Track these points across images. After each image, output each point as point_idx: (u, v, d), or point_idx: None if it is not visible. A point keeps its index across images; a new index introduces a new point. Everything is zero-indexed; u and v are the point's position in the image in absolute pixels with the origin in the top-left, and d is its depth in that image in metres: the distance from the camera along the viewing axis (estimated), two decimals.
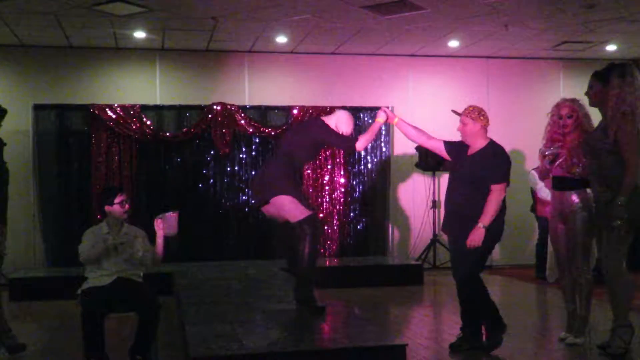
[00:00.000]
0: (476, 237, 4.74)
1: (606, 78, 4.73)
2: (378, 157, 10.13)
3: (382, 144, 10.14)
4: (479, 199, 4.78)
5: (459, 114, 5.03)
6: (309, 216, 5.09)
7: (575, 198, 5.10)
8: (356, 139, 5.30)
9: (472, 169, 4.85)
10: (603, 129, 4.68)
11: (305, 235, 5.06)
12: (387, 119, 5.29)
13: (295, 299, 5.25)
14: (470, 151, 4.96)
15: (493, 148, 4.93)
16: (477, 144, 4.94)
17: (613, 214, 4.58)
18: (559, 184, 5.22)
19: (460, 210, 4.88)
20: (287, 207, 5.10)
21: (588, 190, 5.04)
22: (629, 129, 4.55)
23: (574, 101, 5.18)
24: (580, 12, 7.89)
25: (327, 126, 5.29)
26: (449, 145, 5.13)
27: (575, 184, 5.10)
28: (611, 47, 9.82)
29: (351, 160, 10.05)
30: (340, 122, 5.37)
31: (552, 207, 5.36)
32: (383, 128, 10.13)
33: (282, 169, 5.19)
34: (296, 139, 5.35)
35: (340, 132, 5.33)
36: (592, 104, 4.96)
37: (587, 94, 4.95)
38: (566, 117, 5.13)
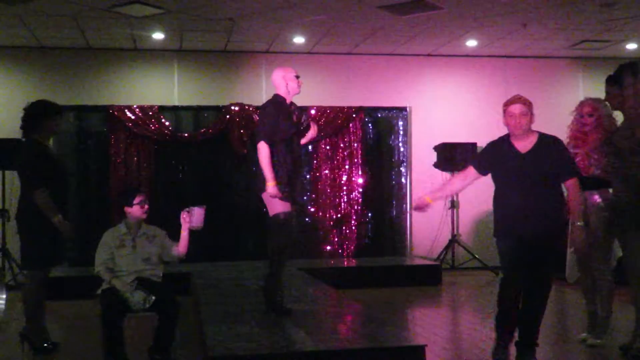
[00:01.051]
0: (577, 236, 4.56)
1: (620, 80, 4.69)
2: (396, 157, 10.11)
3: (400, 144, 10.12)
4: (552, 194, 4.49)
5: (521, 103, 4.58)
6: (285, 212, 5.08)
7: (597, 198, 5.06)
8: (265, 140, 5.03)
9: (537, 164, 4.48)
10: (628, 129, 4.63)
11: (276, 228, 5.07)
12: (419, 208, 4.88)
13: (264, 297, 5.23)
14: (523, 147, 4.55)
15: (552, 140, 4.59)
16: (529, 138, 4.55)
17: None
18: (581, 184, 5.18)
19: (532, 210, 4.45)
20: (270, 200, 5.08)
21: (610, 190, 5.01)
22: None
23: (596, 100, 5.14)
24: (599, 11, 7.83)
25: (269, 107, 5.18)
26: (479, 161, 4.80)
27: (596, 184, 5.06)
28: (631, 46, 9.73)
29: (369, 160, 10.04)
30: (287, 78, 5.23)
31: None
32: (401, 128, 10.12)
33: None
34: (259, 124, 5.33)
35: (297, 85, 5.25)
36: (613, 109, 4.94)
37: (606, 99, 4.93)
38: (587, 115, 5.10)
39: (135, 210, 4.93)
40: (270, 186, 4.98)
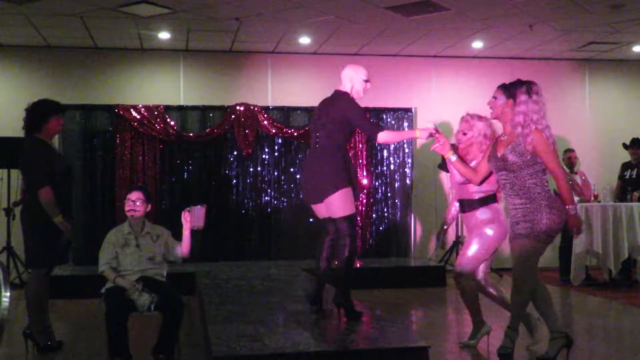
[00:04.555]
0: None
1: (513, 93, 4.68)
2: (400, 158, 10.11)
3: (405, 145, 10.11)
4: None
5: None
6: (351, 215, 4.89)
7: (480, 215, 5.09)
8: (381, 128, 4.96)
9: None
10: (517, 144, 4.59)
11: (345, 235, 4.86)
12: None
13: (334, 301, 5.04)
14: None
15: None
16: None
17: (573, 224, 4.55)
18: (466, 207, 5.20)
19: None
20: (336, 203, 4.86)
21: (495, 205, 5.09)
22: (547, 142, 4.55)
23: (474, 116, 5.20)
24: (607, 13, 7.82)
25: (353, 101, 4.98)
26: None
27: (480, 203, 5.10)
28: (638, 48, 9.71)
29: (373, 161, 10.04)
30: (355, 80, 5.09)
31: (466, 227, 5.32)
32: (406, 129, 10.10)
33: (327, 159, 4.88)
34: (325, 119, 5.00)
35: (362, 89, 5.10)
36: (494, 115, 4.85)
37: (489, 103, 4.84)
38: (461, 132, 5.18)
39: (127, 205, 4.92)
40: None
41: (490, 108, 4.84)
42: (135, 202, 4.91)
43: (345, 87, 5.09)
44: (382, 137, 4.88)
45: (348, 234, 4.88)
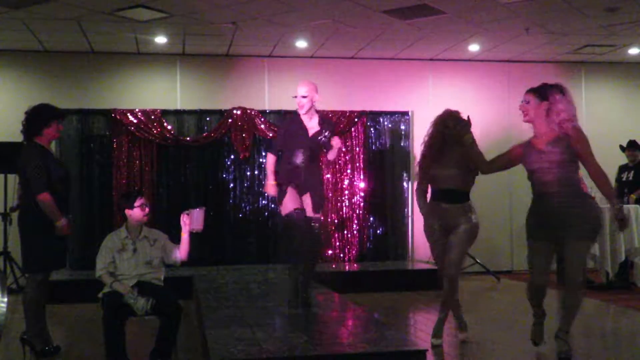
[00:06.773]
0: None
1: (545, 94, 4.75)
2: (398, 162, 10.11)
3: (402, 149, 10.12)
4: None
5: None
6: (285, 215, 5.49)
7: (462, 210, 5.24)
8: (275, 154, 5.69)
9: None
10: (557, 141, 4.69)
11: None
12: None
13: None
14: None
15: None
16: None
17: (618, 218, 4.69)
18: (447, 198, 5.32)
19: None
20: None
21: (468, 202, 5.27)
22: (586, 140, 4.78)
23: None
24: (602, 16, 7.84)
25: (285, 123, 5.85)
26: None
27: (463, 197, 5.26)
28: (634, 50, 9.74)
29: (371, 164, 10.04)
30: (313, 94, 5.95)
31: (437, 219, 5.44)
32: (403, 132, 10.11)
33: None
34: None
35: (298, 104, 5.89)
36: (527, 119, 4.87)
37: (522, 108, 4.87)
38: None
39: (136, 212, 4.93)
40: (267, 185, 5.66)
41: (523, 112, 4.86)
42: (145, 207, 4.96)
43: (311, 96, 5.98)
44: (268, 159, 5.70)
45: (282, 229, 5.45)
